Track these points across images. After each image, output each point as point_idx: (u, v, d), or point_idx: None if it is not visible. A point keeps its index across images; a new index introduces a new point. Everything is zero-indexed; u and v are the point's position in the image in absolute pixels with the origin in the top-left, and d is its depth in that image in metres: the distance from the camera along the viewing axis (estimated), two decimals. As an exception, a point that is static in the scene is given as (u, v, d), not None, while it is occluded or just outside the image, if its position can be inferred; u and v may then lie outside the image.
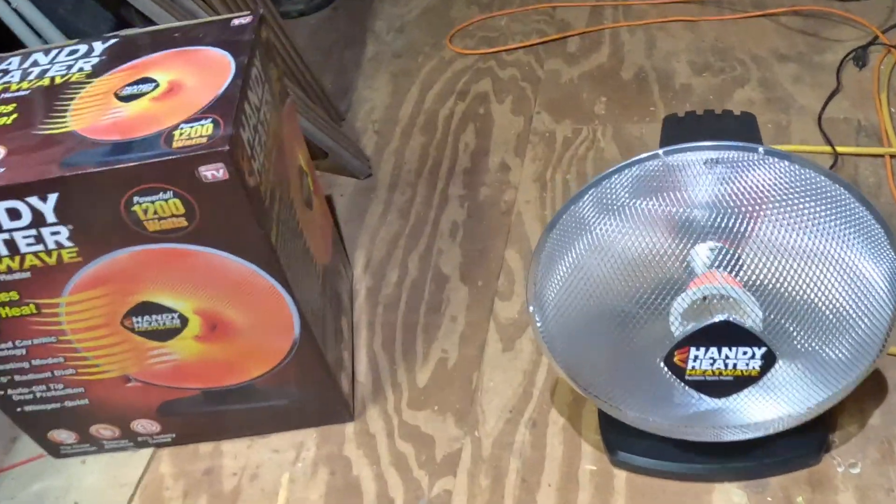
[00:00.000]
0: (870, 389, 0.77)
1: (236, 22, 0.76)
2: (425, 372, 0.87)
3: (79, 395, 0.79)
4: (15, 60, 0.77)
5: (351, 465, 0.80)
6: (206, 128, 0.64)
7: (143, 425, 0.83)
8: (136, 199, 0.64)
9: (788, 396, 0.67)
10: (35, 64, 0.76)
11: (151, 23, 0.94)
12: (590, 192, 0.61)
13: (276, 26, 1.08)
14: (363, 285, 0.98)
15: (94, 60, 0.75)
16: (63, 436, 0.84)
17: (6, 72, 0.76)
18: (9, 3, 0.84)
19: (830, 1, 1.20)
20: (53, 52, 0.77)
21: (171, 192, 0.64)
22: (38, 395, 0.79)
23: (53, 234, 0.66)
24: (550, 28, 1.29)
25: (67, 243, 0.67)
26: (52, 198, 0.64)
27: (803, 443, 0.73)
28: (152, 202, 0.64)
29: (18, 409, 0.80)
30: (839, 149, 0.97)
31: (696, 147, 0.58)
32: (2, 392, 0.78)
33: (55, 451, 0.86)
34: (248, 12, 0.77)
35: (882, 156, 0.96)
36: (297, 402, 0.82)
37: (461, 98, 1.20)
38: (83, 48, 0.77)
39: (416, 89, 1.24)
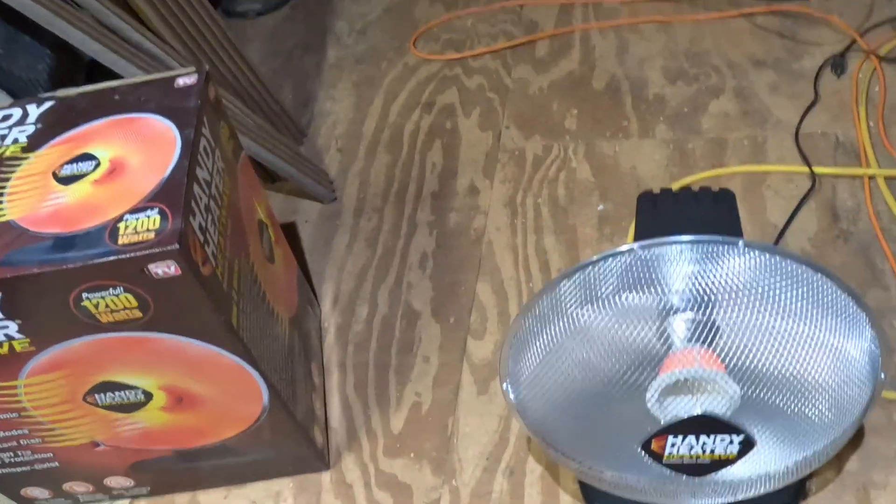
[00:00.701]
0: (846, 435, 0.76)
1: (180, 82, 0.71)
2: (399, 417, 0.86)
3: (48, 459, 0.77)
4: (-56, 128, 0.72)
5: (329, 518, 0.79)
6: (152, 220, 0.60)
7: (116, 481, 0.82)
8: (84, 295, 0.61)
9: (769, 462, 0.66)
10: (-33, 132, 0.71)
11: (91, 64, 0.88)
12: (562, 283, 0.59)
13: (229, 48, 1.02)
14: (332, 322, 0.95)
15: (30, 129, 0.70)
16: (36, 492, 0.82)
17: (-65, 142, 0.71)
18: (-66, 58, 0.78)
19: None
20: (-14, 118, 0.72)
21: (122, 288, 0.60)
22: (7, 460, 0.76)
23: (2, 328, 0.63)
24: (518, 29, 1.24)
25: (18, 335, 0.63)
26: (-4, 297, 0.60)
27: (781, 491, 0.73)
28: (103, 297, 0.61)
29: (-12, 472, 0.78)
30: (816, 169, 0.95)
31: (673, 241, 0.55)
32: (-31, 460, 0.75)
33: (29, 504, 0.85)
34: (193, 69, 0.72)
35: (860, 177, 0.94)
36: (272, 456, 0.80)
37: (427, 111, 1.16)
38: (17, 113, 0.72)
39: (380, 101, 1.19)
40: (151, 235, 0.59)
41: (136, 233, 0.59)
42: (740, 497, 0.69)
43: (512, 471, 0.80)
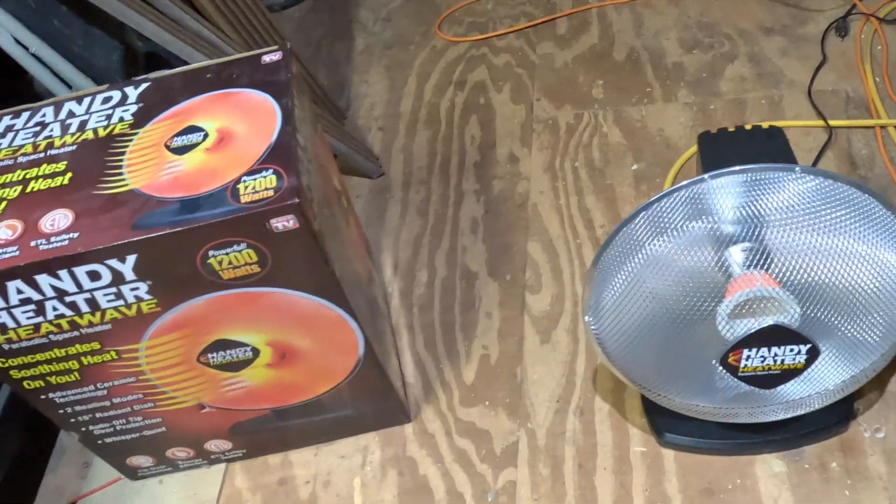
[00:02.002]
0: (884, 356, 0.84)
1: (266, 59, 0.77)
2: (470, 369, 0.92)
3: (156, 425, 0.82)
4: (48, 111, 0.77)
5: (416, 465, 0.85)
6: (269, 179, 0.66)
7: (216, 444, 0.87)
8: (210, 252, 0.66)
9: (826, 377, 0.73)
10: (71, 115, 0.76)
11: (153, 45, 0.93)
12: (641, 215, 0.66)
13: (275, 35, 1.08)
14: (395, 288, 1.01)
15: (133, 108, 0.76)
16: (141, 460, 0.87)
17: (44, 124, 0.76)
18: (27, 50, 0.82)
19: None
20: (87, 101, 0.77)
21: (245, 244, 0.66)
22: (119, 427, 0.82)
23: (133, 289, 0.68)
24: (537, 10, 1.31)
25: (146, 296, 0.69)
26: (131, 259, 0.66)
27: (833, 411, 0.78)
28: (227, 254, 0.67)
29: (99, 442, 0.83)
30: (831, 122, 1.03)
31: (739, 170, 0.62)
32: (84, 428, 0.80)
33: (132, 473, 0.90)
34: (276, 47, 0.78)
35: (872, 127, 1.02)
36: (358, 411, 0.86)
37: (459, 88, 1.22)
38: (116, 95, 0.77)
39: (413, 82, 1.25)
40: (271, 193, 0.65)
41: (256, 192, 0.65)
42: (798, 412, 0.76)
43: (582, 410, 0.86)
